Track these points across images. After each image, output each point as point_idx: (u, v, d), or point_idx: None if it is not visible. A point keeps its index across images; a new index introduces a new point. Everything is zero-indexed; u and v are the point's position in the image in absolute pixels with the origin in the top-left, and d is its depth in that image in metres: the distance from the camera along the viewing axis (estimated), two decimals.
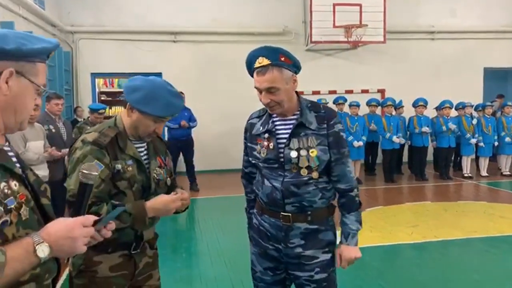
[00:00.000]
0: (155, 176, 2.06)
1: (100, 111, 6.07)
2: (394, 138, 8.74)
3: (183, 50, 10.26)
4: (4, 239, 1.10)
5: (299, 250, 2.08)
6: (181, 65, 10.13)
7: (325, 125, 2.04)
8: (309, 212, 2.07)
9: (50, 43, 1.25)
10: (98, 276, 1.96)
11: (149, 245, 2.14)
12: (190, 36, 10.33)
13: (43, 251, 1.10)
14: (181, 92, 8.29)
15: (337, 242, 2.15)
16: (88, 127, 5.89)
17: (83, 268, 1.97)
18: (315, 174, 2.03)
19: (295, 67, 2.00)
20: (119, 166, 1.93)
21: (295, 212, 2.06)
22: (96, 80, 10.99)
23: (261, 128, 2.13)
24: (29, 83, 1.22)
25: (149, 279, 2.16)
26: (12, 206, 1.13)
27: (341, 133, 2.08)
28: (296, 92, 2.10)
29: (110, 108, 13.16)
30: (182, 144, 8.00)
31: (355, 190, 2.12)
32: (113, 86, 14.20)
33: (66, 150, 4.98)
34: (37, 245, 1.10)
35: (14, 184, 1.16)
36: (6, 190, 1.12)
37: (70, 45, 9.87)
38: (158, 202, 1.96)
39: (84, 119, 7.50)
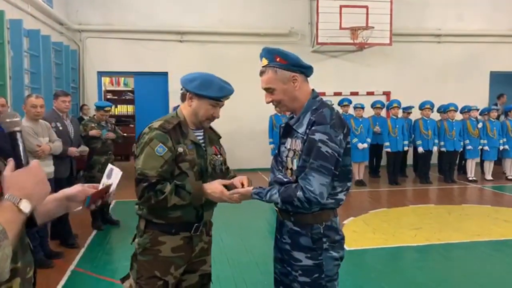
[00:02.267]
0: (212, 161, 2.32)
1: (106, 108, 6.09)
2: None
3: (189, 50, 10.31)
4: None
5: (287, 247, 2.11)
6: (187, 65, 10.09)
7: (309, 129, 1.99)
8: (291, 213, 2.07)
9: None
10: (161, 255, 2.20)
11: (205, 231, 2.37)
12: (196, 36, 10.38)
13: (25, 206, 1.10)
14: None
15: (319, 250, 2.05)
16: (93, 124, 5.96)
17: (148, 246, 2.21)
18: (294, 178, 2.03)
19: (293, 66, 2.03)
20: (181, 149, 2.18)
21: (282, 209, 2.10)
22: (102, 78, 11.05)
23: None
24: None
25: (203, 264, 2.39)
26: None
27: (319, 144, 1.91)
28: (315, 91, 2.13)
29: (116, 106, 13.24)
30: None
31: (304, 198, 1.90)
32: (118, 85, 14.30)
33: (73, 148, 5.02)
34: (17, 203, 1.09)
35: None
36: None
37: (77, 43, 9.93)
38: (211, 187, 2.17)
39: (89, 117, 7.54)
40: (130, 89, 13.82)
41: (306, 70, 2.08)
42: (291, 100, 2.06)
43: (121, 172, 1.68)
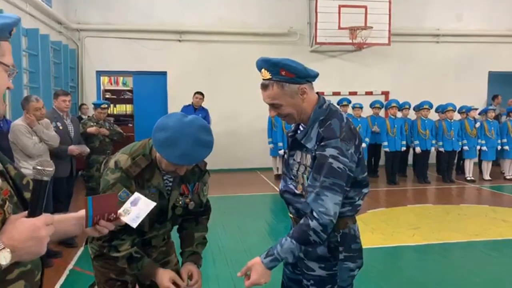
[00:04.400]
0: (174, 203, 2.15)
1: (103, 106, 6.12)
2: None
3: (188, 49, 10.31)
4: None
5: (301, 255, 1.95)
6: (186, 64, 10.18)
7: (318, 145, 1.87)
8: None
9: (10, 19, 1.17)
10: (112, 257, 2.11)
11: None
12: (195, 35, 10.38)
13: (4, 258, 1.02)
14: (200, 93, 8.37)
15: (334, 261, 1.97)
16: (92, 123, 5.97)
17: (98, 253, 2.17)
18: (305, 194, 1.93)
19: (300, 77, 1.87)
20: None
21: (295, 215, 2.03)
22: (101, 78, 11.05)
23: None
24: None
25: (167, 265, 2.29)
26: None
27: (330, 160, 1.79)
28: (321, 97, 1.97)
29: (115, 106, 13.22)
30: None
31: (319, 225, 1.77)
32: (117, 84, 14.26)
33: (72, 147, 5.03)
34: None
35: None
36: None
37: (76, 42, 9.93)
38: (161, 275, 2.06)
39: (88, 116, 7.54)
40: (129, 88, 13.78)
41: (313, 79, 1.94)
42: (299, 112, 1.92)
43: (153, 204, 1.64)
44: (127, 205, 1.59)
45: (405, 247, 5.14)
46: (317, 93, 1.99)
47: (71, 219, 1.41)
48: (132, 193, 1.91)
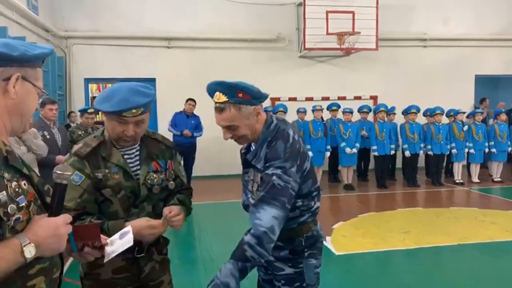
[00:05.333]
0: (147, 181, 2.05)
1: (89, 110, 6.07)
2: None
3: (177, 55, 10.29)
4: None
5: (271, 258, 2.08)
6: (175, 71, 10.15)
7: (264, 166, 1.92)
8: None
9: (47, 49, 1.33)
10: (102, 278, 2.04)
11: (156, 251, 2.17)
12: (184, 42, 10.37)
13: (30, 252, 1.15)
14: (192, 99, 8.32)
15: (300, 259, 2.05)
16: (80, 132, 5.91)
17: (88, 271, 2.05)
18: None
19: (256, 98, 1.93)
20: (99, 175, 1.96)
21: None
22: (90, 85, 10.96)
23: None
24: (32, 87, 1.30)
25: (160, 285, 2.20)
26: (23, 204, 1.20)
27: (273, 177, 1.83)
28: (269, 117, 2.01)
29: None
30: (184, 150, 7.93)
31: (253, 238, 1.76)
32: None
33: (60, 157, 4.97)
34: (24, 246, 1.14)
35: (24, 184, 1.24)
36: (17, 189, 1.20)
37: (64, 50, 9.86)
38: (136, 225, 1.90)
39: (76, 124, 7.48)
40: None
41: (265, 100, 2.00)
42: (253, 133, 1.98)
43: (130, 243, 1.63)
44: (116, 236, 1.61)
45: (396, 251, 5.14)
46: (265, 111, 2.03)
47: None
48: (86, 175, 1.92)
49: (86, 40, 9.94)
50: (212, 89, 1.93)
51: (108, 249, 1.56)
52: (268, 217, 1.78)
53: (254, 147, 2.03)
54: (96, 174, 1.95)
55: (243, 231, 1.87)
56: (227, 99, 1.88)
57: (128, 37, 10.03)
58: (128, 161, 2.05)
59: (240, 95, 1.88)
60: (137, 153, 2.09)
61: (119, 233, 1.62)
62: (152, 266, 2.15)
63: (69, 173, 1.32)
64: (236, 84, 1.88)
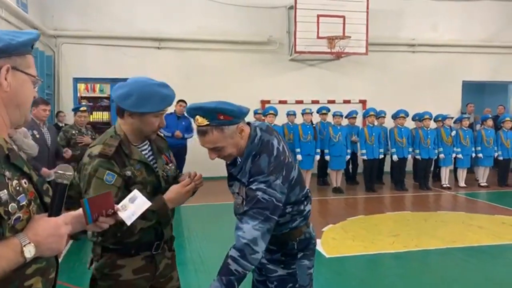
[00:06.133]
0: (164, 173, 2.14)
1: (81, 108, 6.02)
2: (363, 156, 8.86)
3: (167, 56, 10.25)
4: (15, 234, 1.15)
5: (264, 261, 2.11)
6: (165, 72, 10.05)
7: (248, 180, 1.93)
8: None
9: (33, 34, 1.29)
10: (122, 279, 2.03)
11: (167, 247, 2.23)
12: (174, 43, 10.33)
13: (29, 252, 1.13)
14: (183, 101, 8.27)
15: (293, 260, 2.09)
16: (73, 131, 5.85)
17: (107, 272, 2.03)
18: None
19: (238, 117, 1.92)
20: (129, 173, 1.99)
21: None
22: (78, 85, 10.88)
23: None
24: (25, 76, 1.26)
25: (170, 281, 2.25)
26: (24, 203, 1.19)
27: (257, 192, 1.85)
28: (253, 129, 2.00)
29: (91, 113, 13.03)
30: (175, 152, 7.88)
31: (235, 251, 1.79)
32: (94, 91, 14.06)
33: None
34: (24, 245, 1.13)
35: (24, 182, 1.22)
36: (18, 188, 1.18)
37: (53, 49, 9.76)
38: (171, 193, 2.04)
39: (66, 124, 7.40)
40: (106, 95, 13.63)
41: (246, 115, 1.99)
42: (238, 150, 1.98)
43: (149, 203, 1.62)
44: (125, 201, 1.59)
45: (385, 255, 5.18)
46: (247, 123, 2.02)
47: (70, 218, 1.43)
48: (117, 174, 1.95)
49: (76, 39, 9.86)
50: (192, 113, 1.93)
51: (122, 214, 1.53)
52: (250, 229, 1.80)
53: (239, 161, 2.03)
54: (125, 172, 1.98)
55: (233, 233, 1.88)
56: (208, 123, 1.88)
57: (118, 37, 9.97)
58: (145, 156, 2.11)
59: (221, 117, 1.87)
60: (149, 148, 2.15)
61: (127, 197, 1.60)
62: (165, 263, 2.20)
63: (70, 173, 1.30)
64: (215, 107, 1.87)
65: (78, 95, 11.30)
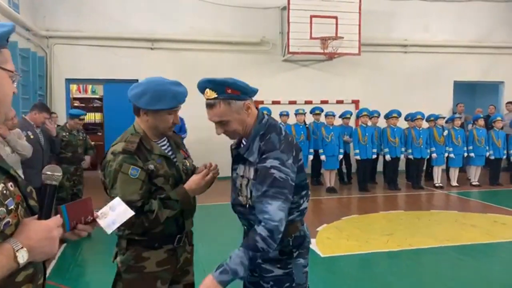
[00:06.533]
0: (184, 167, 2.25)
1: (81, 117, 6.05)
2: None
3: (160, 57, 10.23)
4: (5, 240, 1.11)
5: (258, 260, 2.05)
6: (158, 73, 9.81)
7: (259, 158, 1.95)
8: None
9: (7, 26, 1.20)
10: (146, 271, 2.13)
11: (188, 241, 2.34)
12: (168, 43, 10.32)
13: (22, 257, 1.10)
14: None
15: (289, 260, 2.08)
16: (64, 133, 5.83)
17: (132, 264, 2.13)
18: (249, 204, 2.02)
19: (246, 93, 1.99)
20: (151, 167, 2.09)
21: (248, 227, 2.12)
22: (71, 86, 10.82)
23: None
24: (2, 72, 1.19)
25: (187, 275, 2.36)
26: (12, 207, 1.14)
27: (272, 170, 1.88)
28: (261, 112, 2.07)
29: (84, 114, 12.98)
30: None
31: (265, 230, 1.82)
32: (86, 92, 14.00)
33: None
34: (17, 250, 1.09)
35: (11, 185, 1.17)
36: (5, 191, 1.13)
37: (45, 50, 9.70)
38: (191, 183, 2.16)
39: (58, 125, 7.36)
40: (98, 96, 13.57)
41: (254, 94, 2.05)
42: (244, 127, 2.02)
43: (132, 213, 1.58)
44: (105, 208, 1.54)
45: (380, 253, 5.21)
46: (256, 107, 2.09)
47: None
48: (141, 168, 2.05)
49: (68, 40, 9.80)
50: (202, 86, 2.00)
51: (101, 222, 1.46)
52: (276, 211, 1.84)
53: (245, 142, 2.06)
54: (148, 166, 2.07)
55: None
56: (216, 95, 1.95)
57: (111, 38, 9.93)
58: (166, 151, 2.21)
59: (229, 91, 1.95)
60: (168, 144, 2.26)
61: (108, 205, 1.55)
62: (185, 257, 2.32)
63: (59, 174, 1.27)
64: (224, 80, 1.95)
65: (70, 96, 11.25)
